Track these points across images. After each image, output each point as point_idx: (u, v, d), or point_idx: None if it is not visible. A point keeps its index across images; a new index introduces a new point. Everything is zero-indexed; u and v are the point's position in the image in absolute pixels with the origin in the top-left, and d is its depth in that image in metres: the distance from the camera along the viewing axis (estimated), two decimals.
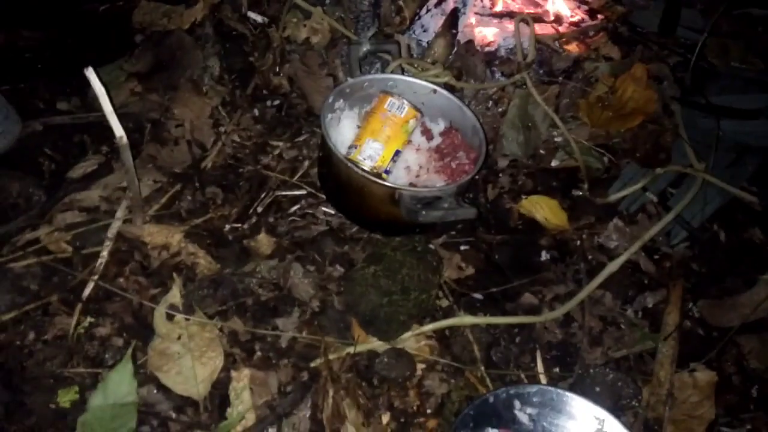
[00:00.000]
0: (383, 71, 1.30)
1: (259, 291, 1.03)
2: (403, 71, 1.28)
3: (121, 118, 1.21)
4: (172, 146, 1.19)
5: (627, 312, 1.08)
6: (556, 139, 1.37)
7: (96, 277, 0.97)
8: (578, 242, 1.19)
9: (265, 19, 1.45)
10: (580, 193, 1.27)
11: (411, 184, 1.12)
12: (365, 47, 1.27)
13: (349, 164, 1.04)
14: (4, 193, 1.03)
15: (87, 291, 0.96)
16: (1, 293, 0.91)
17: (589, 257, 1.16)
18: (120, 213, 1.04)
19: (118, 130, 0.89)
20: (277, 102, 1.34)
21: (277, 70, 1.37)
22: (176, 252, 1.03)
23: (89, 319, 0.93)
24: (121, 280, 0.98)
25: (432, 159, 1.16)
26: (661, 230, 1.16)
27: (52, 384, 0.86)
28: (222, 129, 1.25)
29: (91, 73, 0.84)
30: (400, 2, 1.52)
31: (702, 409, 0.96)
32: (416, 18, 1.48)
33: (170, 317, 0.95)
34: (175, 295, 0.97)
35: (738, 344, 1.06)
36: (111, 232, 1.01)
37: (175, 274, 1.00)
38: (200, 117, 1.25)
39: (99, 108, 1.21)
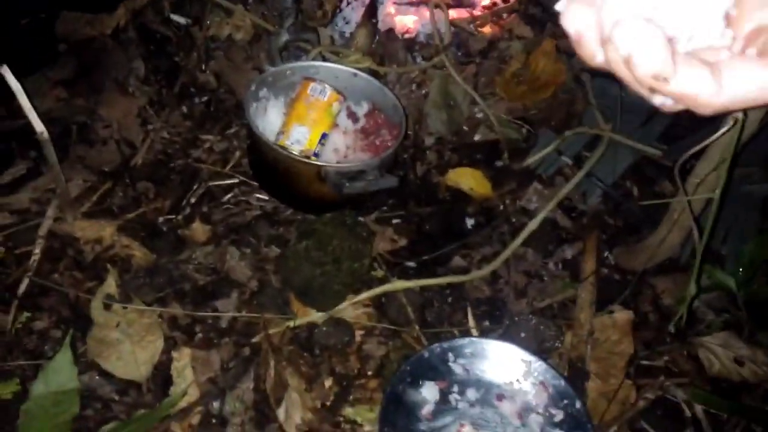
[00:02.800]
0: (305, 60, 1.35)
1: (197, 276, 1.06)
2: (324, 59, 1.33)
3: (48, 123, 1.21)
4: (101, 146, 1.21)
5: (548, 265, 1.15)
6: (477, 115, 1.44)
7: (30, 273, 0.98)
8: (502, 207, 1.26)
9: (188, 20, 1.48)
10: (502, 163, 1.34)
11: (343, 162, 1.17)
12: (284, 37, 1.32)
13: (276, 147, 1.08)
14: None
15: (22, 287, 0.97)
16: None
17: (513, 220, 1.23)
18: (50, 212, 1.05)
19: (38, 126, 0.91)
20: (205, 98, 1.37)
21: (203, 67, 1.40)
22: (110, 245, 1.05)
23: (26, 314, 0.94)
24: (56, 275, 1.00)
25: (358, 139, 1.21)
26: (576, 189, 1.24)
27: None
28: (150, 127, 1.27)
29: (5, 71, 0.86)
30: None
31: (621, 345, 1.04)
32: (337, 11, 1.53)
33: (107, 307, 0.97)
34: (110, 285, 0.99)
35: (652, 285, 1.14)
36: (42, 231, 1.03)
37: (109, 266, 1.02)
38: (127, 116, 1.27)
39: (25, 115, 1.25)
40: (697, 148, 0.72)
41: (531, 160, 1.32)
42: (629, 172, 1.31)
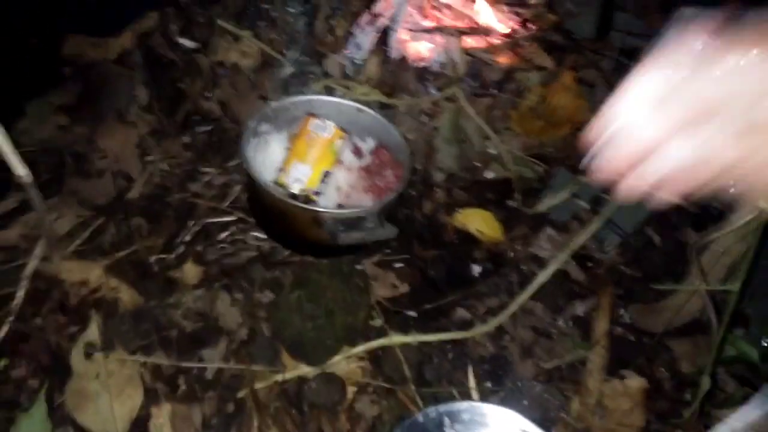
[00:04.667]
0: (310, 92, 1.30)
1: (184, 323, 1.01)
2: (330, 91, 1.27)
3: (44, 153, 1.21)
4: (96, 179, 1.17)
5: (558, 322, 1.08)
6: (489, 151, 1.38)
7: (11, 318, 0.95)
8: (512, 254, 1.19)
9: (196, 44, 1.44)
10: (514, 204, 1.28)
11: (340, 205, 1.12)
12: (289, 68, 1.27)
13: (271, 189, 1.03)
14: None
15: (2, 332, 0.93)
16: None
17: (522, 268, 1.16)
18: (37, 251, 1.02)
19: (19, 169, 0.87)
20: (208, 128, 1.33)
21: (208, 95, 1.36)
22: (96, 288, 1.01)
23: (3, 361, 0.90)
24: (38, 320, 0.96)
25: (361, 178, 1.16)
26: (593, 237, 1.17)
27: None
28: (149, 158, 1.23)
29: None
30: (333, 22, 1.52)
31: (632, 416, 0.96)
32: (350, 37, 1.48)
33: (88, 355, 0.93)
34: (93, 332, 0.95)
35: (670, 349, 1.07)
36: (26, 272, 0.99)
37: (93, 311, 0.97)
38: (126, 147, 1.23)
39: (24, 143, 1.22)
40: (717, 235, 0.65)
41: (545, 203, 1.25)
42: (651, 218, 1.23)
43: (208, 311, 1.03)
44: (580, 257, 1.16)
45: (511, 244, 1.21)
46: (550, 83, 1.45)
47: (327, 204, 1.10)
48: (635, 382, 0.99)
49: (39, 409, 0.85)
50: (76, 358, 0.92)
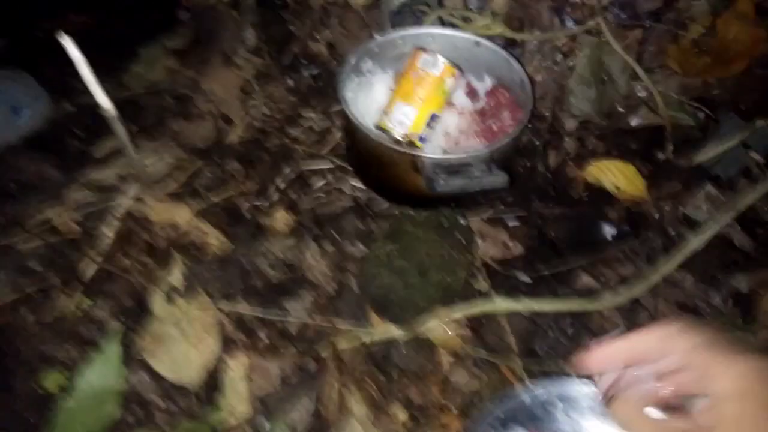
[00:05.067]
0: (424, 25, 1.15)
1: (271, 272, 0.94)
2: (444, 24, 1.12)
3: (151, 96, 1.20)
4: (198, 121, 1.13)
5: (713, 299, 0.86)
6: (638, 94, 1.15)
7: (100, 258, 0.93)
8: (657, 214, 0.97)
9: None
10: (665, 157, 1.05)
11: (447, 151, 0.97)
12: (403, 1, 1.13)
13: (368, 131, 0.91)
14: (21, 175, 1.02)
15: (90, 272, 0.92)
16: (6, 275, 0.90)
17: (670, 231, 0.94)
18: (131, 192, 0.99)
19: (104, 102, 0.83)
20: (315, 71, 1.24)
21: (316, 36, 1.27)
22: (185, 231, 0.96)
23: (88, 301, 0.89)
24: (126, 261, 0.93)
25: (474, 122, 1.00)
26: (766, 197, 0.92)
27: (43, 367, 0.82)
28: (252, 102, 1.17)
29: (65, 41, 0.78)
30: None
31: None
32: None
33: (170, 299, 0.88)
34: (177, 276, 0.90)
35: None
36: (118, 212, 0.97)
37: (176, 254, 0.93)
38: (229, 90, 1.18)
39: (134, 87, 1.22)
40: None
41: (705, 153, 1.00)
42: None
43: (296, 262, 0.95)
44: (748, 221, 0.92)
45: (658, 203, 0.99)
46: (721, 12, 1.17)
47: (433, 151, 0.96)
48: None
49: (114, 350, 0.82)
50: (158, 301, 0.88)
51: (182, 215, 0.98)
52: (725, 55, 1.14)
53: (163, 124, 1.13)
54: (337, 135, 1.12)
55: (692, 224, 0.94)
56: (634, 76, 1.14)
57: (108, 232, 0.95)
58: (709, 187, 0.97)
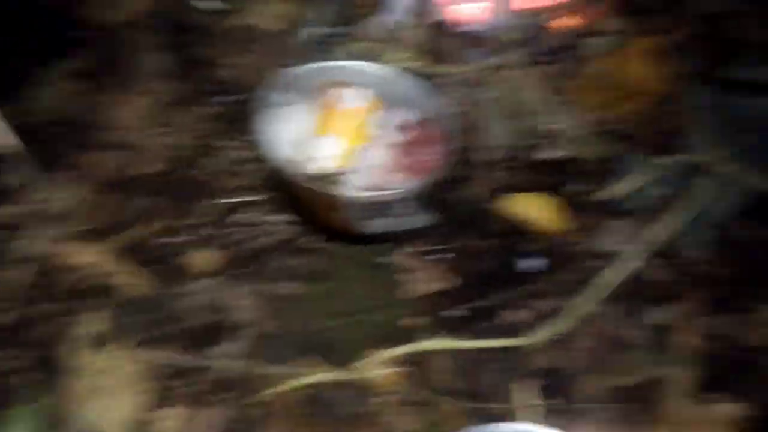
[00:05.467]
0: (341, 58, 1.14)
1: (195, 315, 0.89)
2: (364, 56, 1.12)
3: (51, 123, 1.10)
4: (103, 152, 1.06)
5: (631, 331, 0.90)
6: (548, 127, 1.20)
7: (4, 306, 0.84)
8: (574, 247, 1.01)
9: (222, 5, 1.31)
10: (576, 189, 1.10)
11: (372, 187, 0.96)
12: (323, 30, 1.12)
13: (286, 167, 0.89)
14: None
15: None
16: None
17: (587, 265, 0.99)
18: (38, 231, 0.91)
19: (6, 136, 0.75)
20: (230, 98, 1.19)
21: (231, 62, 1.23)
22: (101, 273, 0.89)
23: None
24: (34, 309, 0.84)
25: (400, 156, 1.00)
26: (674, 231, 0.98)
27: None
28: (163, 130, 1.11)
29: None
30: None
31: None
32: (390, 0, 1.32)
33: (89, 348, 0.81)
34: (94, 323, 0.83)
35: None
36: (23, 253, 0.88)
37: (92, 299, 0.86)
38: (138, 118, 1.11)
39: (32, 112, 1.11)
40: None
41: (616, 187, 1.06)
42: (751, 208, 1.03)
43: (223, 303, 0.91)
44: (661, 254, 0.98)
45: (574, 235, 1.03)
46: (624, 49, 1.25)
47: (358, 185, 0.95)
48: (727, 408, 0.81)
49: (27, 409, 0.74)
50: (74, 352, 0.80)
51: (96, 256, 0.90)
52: (625, 90, 1.22)
53: (68, 155, 1.04)
54: (264, 166, 1.08)
55: (607, 257, 0.99)
56: (544, 110, 1.20)
57: (11, 277, 0.86)
58: (622, 220, 1.03)
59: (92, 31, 1.25)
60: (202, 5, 1.27)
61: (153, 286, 0.91)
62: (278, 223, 1.01)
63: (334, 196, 0.85)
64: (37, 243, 0.90)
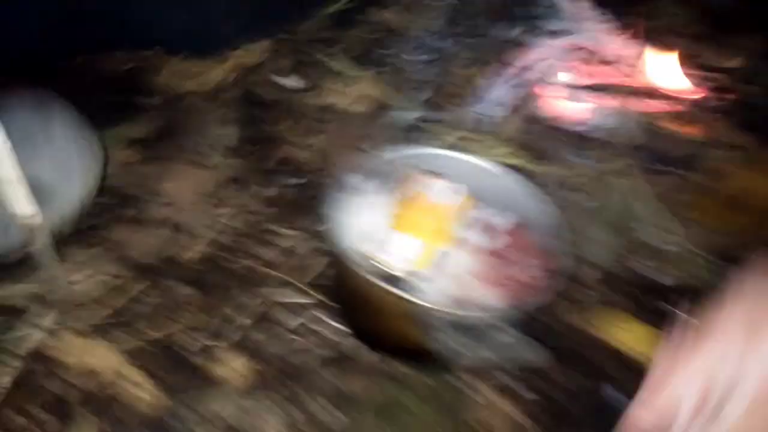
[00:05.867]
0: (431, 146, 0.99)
1: None
2: (457, 148, 0.97)
3: (102, 192, 0.99)
4: (148, 230, 0.92)
5: None
6: (665, 247, 1.00)
7: None
8: None
9: (304, 83, 1.21)
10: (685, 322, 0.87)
11: (458, 300, 0.78)
12: (412, 114, 0.98)
13: (358, 264, 0.72)
14: None
15: None
16: None
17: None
18: (46, 319, 0.76)
19: (23, 206, 0.62)
20: (301, 180, 1.05)
21: (305, 142, 1.10)
22: (107, 381, 0.72)
23: None
24: (21, 419, 0.68)
25: (491, 266, 0.82)
26: None
27: None
28: (221, 211, 0.97)
29: None
30: (468, 72, 1.24)
31: None
32: (487, 90, 1.19)
33: None
34: None
35: None
36: (22, 347, 0.72)
37: (90, 414, 0.68)
38: (194, 195, 0.98)
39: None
40: None
41: None
42: None
43: (245, 428, 0.72)
44: None
45: None
46: (746, 164, 1.06)
47: (436, 295, 0.76)
48: None
49: None
50: None
51: (106, 358, 0.74)
52: (758, 214, 1.01)
53: (104, 229, 0.91)
54: (322, 261, 0.92)
55: None
56: (662, 226, 1.00)
57: (3, 376, 0.70)
58: None
59: (159, 98, 1.16)
60: (283, 81, 1.17)
61: (164, 400, 0.73)
62: (329, 333, 0.83)
63: (408, 302, 0.67)
64: (35, 334, 0.75)
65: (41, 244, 0.65)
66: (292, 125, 1.14)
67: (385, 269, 0.76)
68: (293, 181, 1.06)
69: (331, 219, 0.75)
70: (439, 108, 1.07)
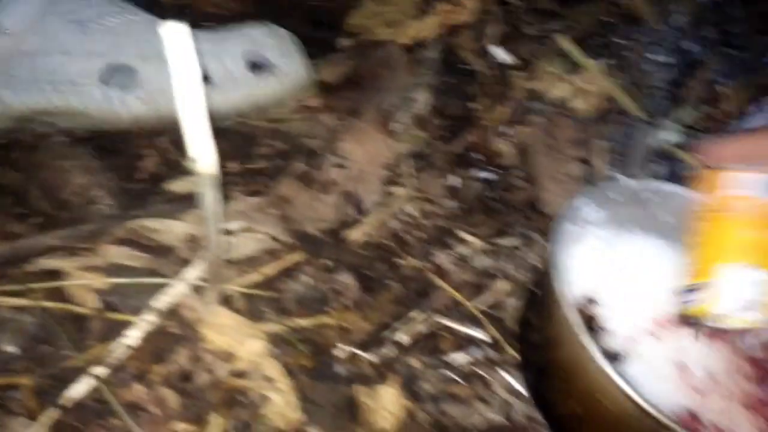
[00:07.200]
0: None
1: None
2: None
3: (272, 135, 0.87)
4: (318, 194, 0.79)
5: None
6: None
7: (101, 370, 0.58)
8: None
9: (514, 59, 1.02)
10: None
11: (689, 413, 0.58)
12: (664, 135, 0.77)
13: (585, 340, 0.54)
14: (62, 188, 0.70)
15: (77, 389, 0.57)
16: None
17: None
18: (194, 270, 0.65)
19: (195, 146, 0.49)
20: (491, 175, 0.88)
21: (507, 131, 0.92)
22: (242, 371, 0.61)
23: None
24: (137, 389, 0.58)
25: (740, 368, 0.61)
26: None
27: None
28: (396, 189, 0.82)
29: (166, 31, 0.45)
30: (717, 89, 1.00)
31: None
32: (745, 114, 0.95)
33: None
34: None
35: None
36: (161, 302, 0.62)
37: (218, 411, 0.57)
38: (373, 162, 0.84)
39: (253, 116, 0.89)
40: None
41: None
42: None
43: None
44: None
45: None
46: None
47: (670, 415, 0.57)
48: None
49: None
50: None
51: (246, 339, 0.62)
52: None
53: (272, 178, 0.79)
54: (500, 286, 0.75)
55: None
56: None
57: (133, 330, 0.60)
58: None
59: (351, 41, 1.01)
60: (493, 51, 0.99)
61: (295, 411, 0.60)
62: (500, 388, 0.67)
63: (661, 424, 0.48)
64: (178, 286, 0.64)
65: (205, 194, 0.53)
66: (493, 106, 0.96)
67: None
68: (482, 174, 0.88)
69: (552, 257, 0.57)
70: (693, 131, 0.84)
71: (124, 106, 0.77)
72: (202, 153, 0.49)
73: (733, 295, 0.50)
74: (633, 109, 0.90)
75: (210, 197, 0.53)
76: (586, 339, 0.51)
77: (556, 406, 0.60)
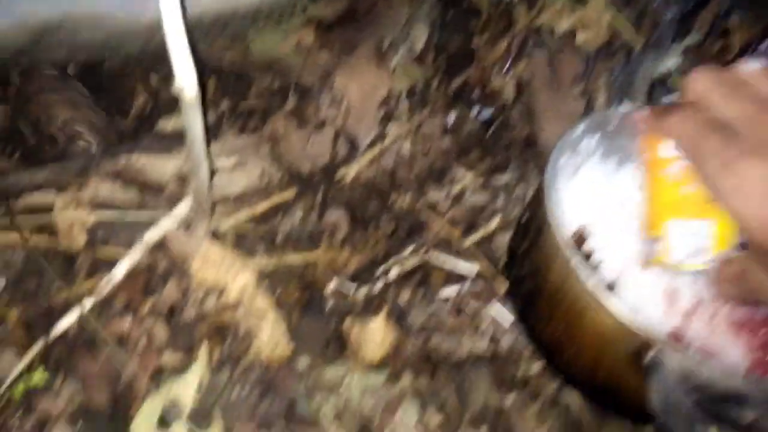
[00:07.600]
0: None
1: (333, 424, 0.58)
2: None
3: (268, 73, 0.85)
4: (312, 130, 0.78)
5: None
6: None
7: (90, 302, 0.58)
8: None
9: None
10: None
11: (674, 334, 0.58)
12: (667, 63, 0.74)
13: (569, 259, 0.53)
14: (48, 123, 0.69)
15: (65, 322, 0.57)
16: None
17: None
18: (182, 206, 0.65)
19: (181, 76, 0.48)
20: (488, 112, 0.86)
21: (507, 67, 0.89)
22: (233, 303, 0.61)
23: (44, 373, 0.55)
24: (126, 320, 0.58)
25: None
26: None
27: None
28: (392, 127, 0.81)
29: None
30: (727, 24, 0.96)
31: None
32: (750, 49, 0.91)
33: (164, 424, 0.53)
34: (189, 382, 0.55)
35: None
36: (149, 236, 0.62)
37: (207, 342, 0.58)
38: (369, 99, 0.82)
39: (245, 56, 0.86)
40: None
41: None
42: None
43: (375, 419, 0.59)
44: None
45: None
46: None
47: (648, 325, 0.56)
48: None
49: None
50: (143, 419, 0.53)
51: (236, 272, 0.62)
52: None
53: (265, 116, 0.78)
54: (494, 222, 0.74)
55: None
56: None
57: (119, 264, 0.61)
58: None
59: None
60: None
61: (297, 353, 0.60)
62: (488, 320, 0.66)
63: (642, 339, 0.48)
64: (166, 221, 0.64)
65: (190, 121, 0.52)
66: (492, 41, 0.93)
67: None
68: (480, 111, 0.86)
69: (546, 189, 0.56)
70: (695, 63, 0.81)
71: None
72: (184, 73, 0.48)
73: (682, 246, 0.51)
74: (638, 41, 0.87)
75: (195, 125, 0.52)
76: (575, 260, 0.51)
77: (543, 332, 0.60)
